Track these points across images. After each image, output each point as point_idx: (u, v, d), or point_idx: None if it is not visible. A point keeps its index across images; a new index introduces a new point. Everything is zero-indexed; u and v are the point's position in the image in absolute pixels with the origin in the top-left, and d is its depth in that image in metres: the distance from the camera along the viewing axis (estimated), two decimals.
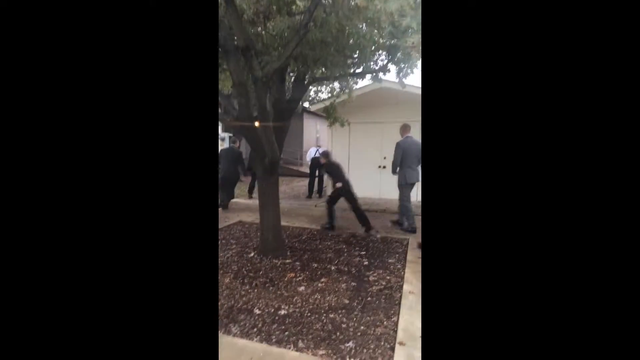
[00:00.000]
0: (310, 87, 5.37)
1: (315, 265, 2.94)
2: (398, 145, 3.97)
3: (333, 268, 2.88)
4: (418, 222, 4.03)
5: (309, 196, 6.60)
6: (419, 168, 3.95)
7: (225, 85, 3.59)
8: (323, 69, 2.81)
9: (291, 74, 3.33)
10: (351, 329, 1.94)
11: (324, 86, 4.97)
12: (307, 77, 3.10)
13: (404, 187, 4.00)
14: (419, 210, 4.64)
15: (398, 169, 3.98)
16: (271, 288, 2.48)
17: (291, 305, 2.22)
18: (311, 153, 6.66)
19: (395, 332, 1.91)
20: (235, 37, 2.16)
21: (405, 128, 4.04)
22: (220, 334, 1.87)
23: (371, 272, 2.80)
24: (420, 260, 3.06)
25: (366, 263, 3.01)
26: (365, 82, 4.38)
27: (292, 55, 2.50)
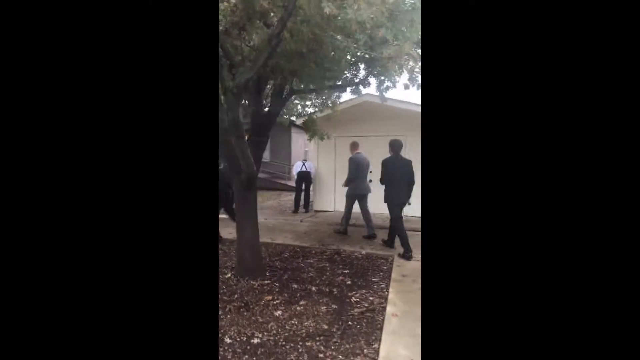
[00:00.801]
0: (296, 101, 5.34)
1: (295, 286, 2.78)
2: (351, 160, 4.34)
3: (314, 289, 2.72)
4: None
5: (295, 211, 6.45)
6: (368, 181, 4.45)
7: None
8: (301, 82, 2.73)
9: (270, 88, 3.25)
10: (329, 359, 1.78)
11: (309, 100, 4.93)
12: (285, 90, 3.02)
13: (353, 197, 4.40)
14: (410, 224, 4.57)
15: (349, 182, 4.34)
16: (245, 313, 2.30)
17: (265, 333, 2.05)
18: (297, 167, 6.56)
19: None
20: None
21: (354, 145, 4.51)
22: None
23: (354, 293, 2.65)
24: (404, 278, 2.93)
25: (349, 282, 2.86)
26: (349, 95, 4.36)
27: (267, 67, 2.42)
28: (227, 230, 4.81)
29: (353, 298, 2.55)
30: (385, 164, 3.70)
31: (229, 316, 2.25)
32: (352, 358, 1.79)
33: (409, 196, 3.66)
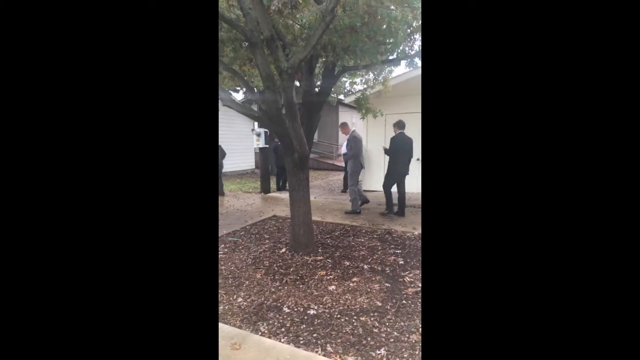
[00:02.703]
0: (344, 78, 5.22)
1: (347, 263, 2.85)
2: (358, 139, 4.59)
3: (366, 267, 2.76)
4: None
5: (344, 190, 6.49)
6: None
7: (257, 81, 3.58)
8: (354, 58, 2.65)
9: (320, 65, 3.22)
10: (383, 335, 1.83)
11: (359, 77, 4.78)
12: (336, 67, 2.97)
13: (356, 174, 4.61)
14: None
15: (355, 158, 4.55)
16: (301, 286, 2.43)
17: (321, 305, 2.15)
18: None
19: None
20: (262, 29, 2.09)
21: (343, 126, 4.78)
22: (248, 332, 1.86)
23: (407, 273, 2.63)
24: None
25: (402, 262, 2.85)
26: (402, 70, 4.15)
27: (319, 45, 2.38)
28: (280, 207, 5.05)
29: (406, 278, 2.54)
30: (393, 140, 4.38)
31: (286, 287, 2.40)
32: (407, 335, 1.81)
33: (408, 168, 4.44)
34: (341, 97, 6.81)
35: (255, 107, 3.35)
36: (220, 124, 9.48)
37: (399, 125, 4.35)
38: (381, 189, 4.62)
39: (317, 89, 3.19)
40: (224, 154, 6.34)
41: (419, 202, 5.25)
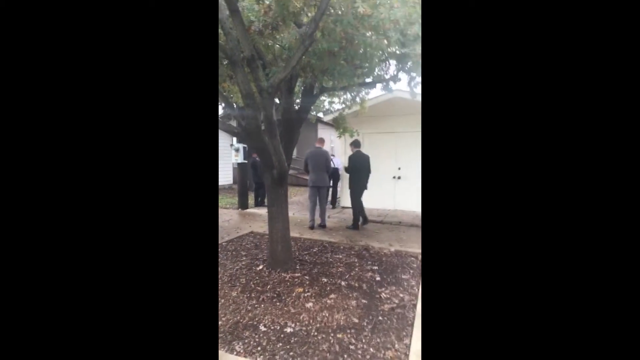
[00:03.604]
0: (324, 97, 5.38)
1: (325, 279, 2.84)
2: (307, 155, 4.68)
3: (343, 283, 2.77)
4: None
5: (334, 206, 6.52)
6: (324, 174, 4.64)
7: (237, 97, 3.62)
8: (331, 79, 2.77)
9: (300, 85, 3.32)
10: (359, 351, 1.83)
11: (337, 97, 4.94)
12: (315, 87, 3.07)
13: (311, 188, 4.65)
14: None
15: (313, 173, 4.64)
16: (278, 303, 2.40)
17: (298, 323, 2.13)
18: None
19: (407, 356, 1.78)
20: (242, 48, 2.15)
21: (320, 140, 4.79)
22: (223, 352, 1.80)
23: (383, 289, 2.67)
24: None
25: (378, 279, 2.89)
26: (378, 92, 4.34)
27: (299, 66, 2.47)
28: (258, 224, 4.98)
29: (383, 294, 2.58)
30: (350, 158, 4.69)
31: (262, 305, 2.36)
32: (383, 352, 1.83)
33: (367, 183, 4.72)
34: (320, 115, 6.97)
35: (234, 123, 3.37)
36: None
37: (355, 144, 4.71)
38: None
39: (296, 107, 3.26)
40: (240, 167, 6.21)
41: (396, 219, 5.37)
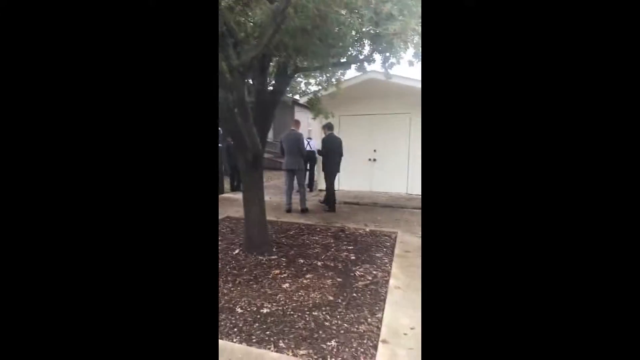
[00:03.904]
0: (300, 79, 5.29)
1: (302, 261, 2.89)
2: (282, 138, 4.69)
3: (319, 264, 2.82)
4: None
5: (311, 190, 6.54)
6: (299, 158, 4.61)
7: None
8: (305, 59, 2.71)
9: (274, 65, 3.22)
10: (334, 327, 1.90)
11: (312, 78, 4.87)
12: (289, 67, 3.00)
13: (286, 172, 4.66)
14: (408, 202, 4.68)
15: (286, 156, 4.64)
16: (255, 286, 2.42)
17: (274, 304, 2.16)
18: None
19: (379, 329, 1.87)
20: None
21: (296, 123, 4.80)
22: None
23: (358, 267, 2.75)
24: (407, 254, 3.03)
25: (353, 258, 2.97)
26: (353, 73, 4.31)
27: (272, 45, 2.39)
28: (234, 208, 4.93)
29: (357, 272, 2.66)
30: (324, 141, 4.74)
31: (239, 288, 2.37)
32: (356, 326, 1.91)
33: (339, 165, 4.81)
34: (297, 97, 6.85)
35: None
36: None
37: (329, 127, 4.76)
38: (337, 187, 4.80)
39: (270, 88, 3.18)
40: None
41: (371, 200, 5.49)
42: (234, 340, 1.78)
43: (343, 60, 3.10)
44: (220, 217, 4.44)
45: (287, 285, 2.42)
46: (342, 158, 4.88)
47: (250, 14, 2.68)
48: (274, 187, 7.16)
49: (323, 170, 4.89)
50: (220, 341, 1.75)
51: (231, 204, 5.32)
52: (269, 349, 1.70)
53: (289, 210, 4.70)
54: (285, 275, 2.60)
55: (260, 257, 2.94)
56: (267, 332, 1.84)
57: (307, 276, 2.57)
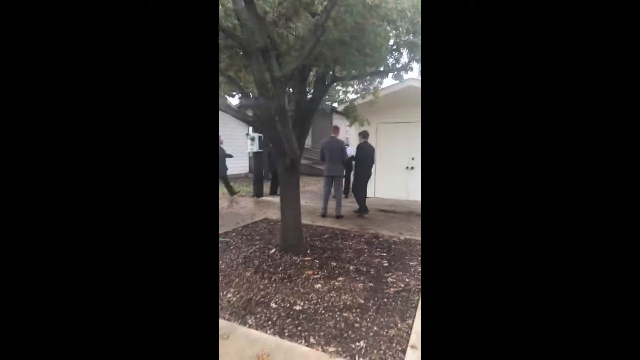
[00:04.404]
0: (338, 87, 5.42)
1: (334, 264, 2.95)
2: (323, 144, 4.81)
3: (352, 268, 2.87)
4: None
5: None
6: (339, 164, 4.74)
7: (252, 87, 3.71)
8: (343, 69, 2.81)
9: (313, 74, 3.37)
10: (364, 329, 1.93)
11: (350, 87, 4.97)
12: (327, 77, 3.12)
13: (326, 178, 4.80)
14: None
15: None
16: (289, 284, 2.53)
17: (306, 302, 2.25)
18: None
19: (409, 334, 1.87)
20: (256, 39, 2.23)
21: (334, 129, 4.92)
22: (236, 324, 1.95)
23: (390, 274, 2.75)
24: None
25: (386, 264, 2.97)
26: (391, 81, 4.34)
27: (312, 56, 2.53)
28: (272, 210, 5.14)
29: (389, 278, 2.66)
30: (358, 147, 4.86)
31: (274, 285, 2.50)
32: (386, 330, 1.92)
33: (371, 172, 4.95)
34: (335, 105, 6.99)
35: (249, 113, 3.49)
36: (220, 128, 9.57)
37: (364, 134, 4.86)
38: (372, 195, 4.83)
39: (309, 97, 3.33)
40: (225, 156, 6.32)
41: (407, 209, 5.40)
42: (268, 332, 1.89)
43: (380, 69, 3.16)
44: (259, 218, 4.67)
45: (319, 285, 2.50)
46: (379, 165, 4.93)
47: (292, 26, 2.85)
48: (310, 193, 7.32)
49: (355, 176, 5.01)
50: (254, 332, 1.88)
51: (269, 207, 5.55)
52: (300, 343, 1.79)
53: (324, 215, 4.79)
54: (318, 276, 2.68)
55: (294, 258, 3.06)
56: (299, 328, 1.93)
57: (339, 279, 2.63)
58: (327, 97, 4.71)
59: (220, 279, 2.61)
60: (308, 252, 3.24)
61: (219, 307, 2.17)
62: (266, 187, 7.02)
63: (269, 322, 1.99)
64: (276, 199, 6.26)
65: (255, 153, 6.68)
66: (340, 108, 6.38)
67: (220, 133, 10.31)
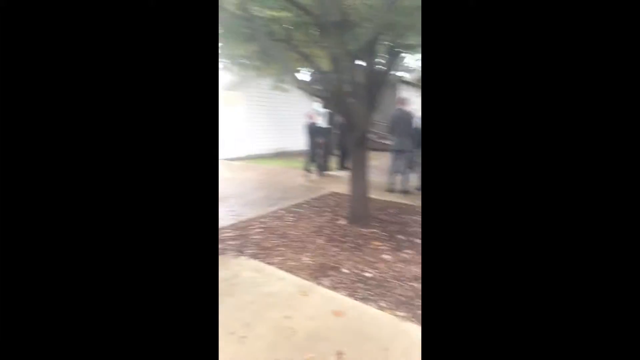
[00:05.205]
0: (407, 55, 5.13)
1: (401, 237, 3.00)
2: (390, 116, 4.57)
3: (418, 241, 2.88)
4: None
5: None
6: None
7: (322, 62, 3.77)
8: (416, 35, 2.68)
9: (384, 46, 3.27)
10: None
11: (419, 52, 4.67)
12: (397, 45, 3.01)
13: (393, 152, 4.63)
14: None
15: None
16: (357, 253, 2.67)
17: (375, 270, 2.37)
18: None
19: None
20: (331, 13, 2.26)
21: (401, 101, 4.66)
22: (313, 284, 2.17)
23: None
24: None
25: None
26: None
27: (384, 25, 2.46)
28: (340, 185, 5.31)
29: None
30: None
31: (344, 253, 2.67)
32: None
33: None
34: (403, 74, 6.66)
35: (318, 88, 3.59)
36: (283, 105, 9.96)
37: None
38: None
39: (379, 68, 3.27)
40: (318, 130, 6.38)
41: None
42: (342, 293, 2.07)
43: None
44: (326, 192, 4.88)
45: (386, 256, 2.59)
46: None
47: None
48: (376, 168, 7.28)
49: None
50: (330, 291, 2.07)
51: (337, 181, 5.73)
52: (371, 306, 1.93)
53: (391, 190, 4.77)
54: (385, 247, 2.77)
55: (362, 229, 3.19)
56: (369, 292, 2.07)
57: (407, 251, 2.68)
58: (396, 67, 4.52)
59: (296, 244, 2.88)
60: (375, 224, 3.33)
61: (298, 268, 2.42)
62: (333, 163, 7.19)
63: (342, 285, 2.17)
64: (343, 174, 6.40)
65: (322, 129, 6.83)
66: (412, 77, 6.05)
67: (298, 110, 10.72)
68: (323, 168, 6.47)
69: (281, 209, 3.94)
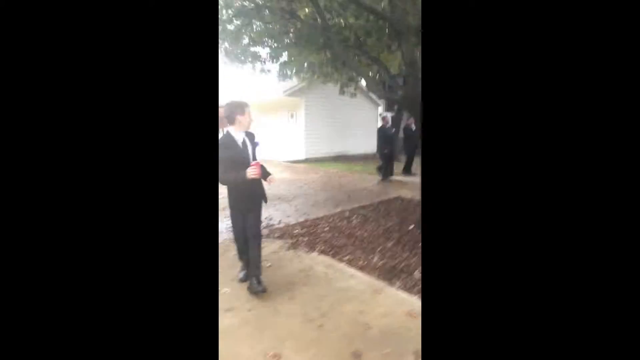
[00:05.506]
0: None
1: None
2: None
3: None
4: None
5: None
6: None
7: (392, 65, 3.78)
8: None
9: None
10: None
11: None
12: None
13: None
14: None
15: None
16: None
17: None
18: None
19: None
20: (408, 18, 2.28)
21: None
22: (385, 284, 2.19)
23: None
24: None
25: None
26: None
27: None
28: (404, 190, 5.20)
29: None
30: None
31: (415, 257, 2.62)
32: None
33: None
34: None
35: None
36: (345, 108, 10.12)
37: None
38: None
39: None
40: (389, 136, 6.22)
41: None
42: (414, 297, 2.04)
43: None
44: (391, 197, 4.82)
45: None
46: None
47: None
48: None
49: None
50: (401, 292, 2.06)
51: (402, 186, 5.61)
52: None
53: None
54: None
55: None
56: None
57: None
58: None
59: (365, 245, 2.91)
60: None
61: (369, 268, 2.46)
62: (396, 168, 7.06)
63: (415, 289, 2.14)
64: (408, 179, 6.25)
65: (390, 133, 6.74)
66: None
67: (357, 115, 10.77)
68: (388, 173, 6.40)
69: (347, 210, 4.03)
